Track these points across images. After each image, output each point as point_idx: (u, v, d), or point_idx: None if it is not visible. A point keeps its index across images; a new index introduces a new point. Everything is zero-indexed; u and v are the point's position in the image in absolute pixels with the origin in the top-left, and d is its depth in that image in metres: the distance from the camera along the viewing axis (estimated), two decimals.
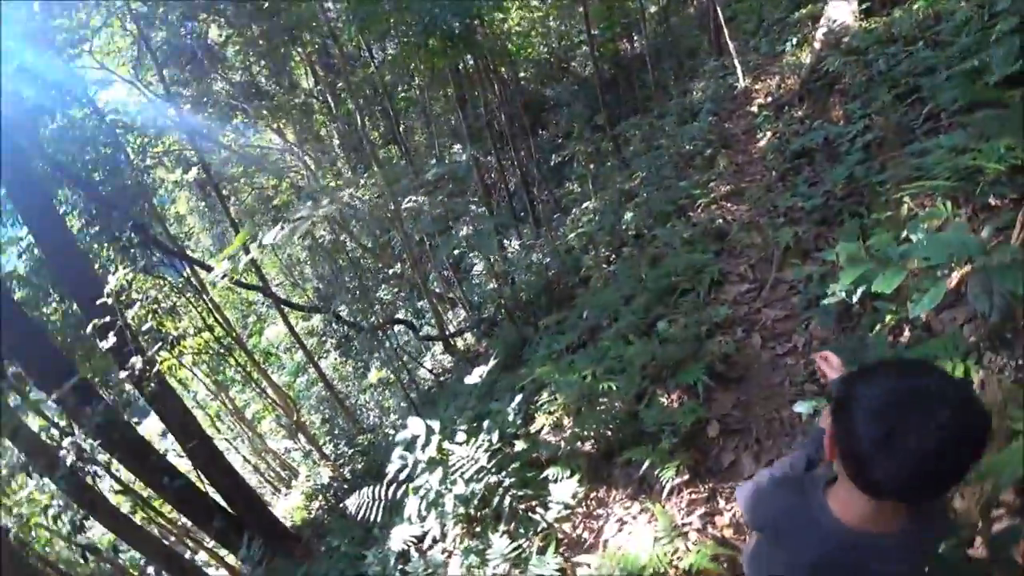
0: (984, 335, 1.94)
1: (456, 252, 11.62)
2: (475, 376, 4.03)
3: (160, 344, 7.23)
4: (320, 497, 8.08)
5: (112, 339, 5.68)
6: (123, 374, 6.17)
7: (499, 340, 6.55)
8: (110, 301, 5.45)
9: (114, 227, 8.73)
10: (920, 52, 5.09)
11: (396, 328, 10.25)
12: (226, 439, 12.85)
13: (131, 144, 10.20)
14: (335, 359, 12.53)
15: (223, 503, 7.70)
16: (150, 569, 8.55)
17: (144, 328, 7.27)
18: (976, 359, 1.98)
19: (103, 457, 7.40)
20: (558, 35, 13.27)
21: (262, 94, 13.94)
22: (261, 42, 12.48)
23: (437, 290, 11.65)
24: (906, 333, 2.96)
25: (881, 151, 4.80)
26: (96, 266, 9.04)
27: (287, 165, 12.77)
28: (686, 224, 5.48)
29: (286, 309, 10.53)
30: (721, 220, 5.34)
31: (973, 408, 0.91)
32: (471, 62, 10.36)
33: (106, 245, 9.27)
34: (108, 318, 5.52)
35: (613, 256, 6.37)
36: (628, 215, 6.24)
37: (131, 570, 9.17)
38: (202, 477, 7.79)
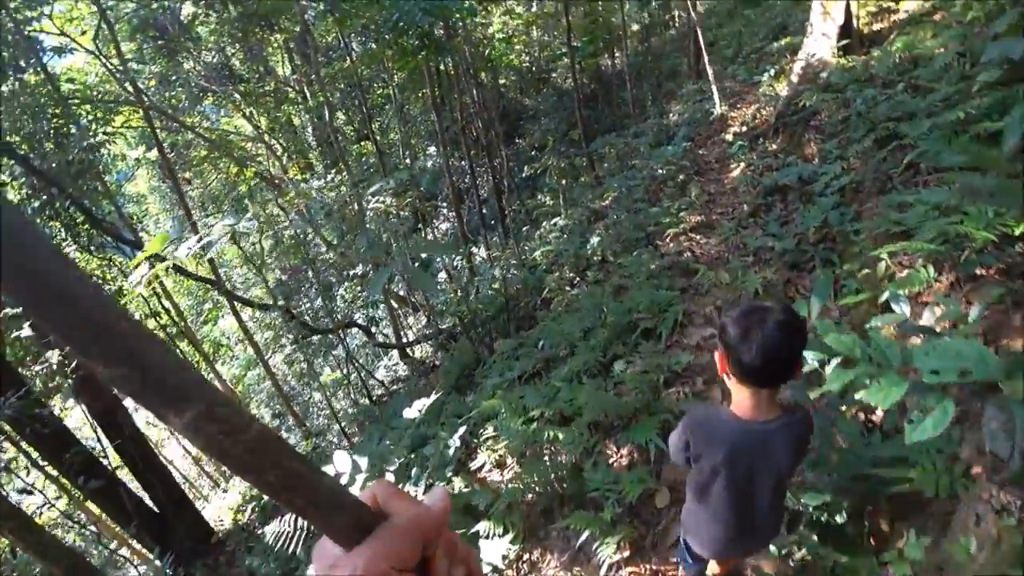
0: (1001, 481, 1.56)
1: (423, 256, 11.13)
2: (413, 411, 3.59)
3: None
4: (255, 502, 7.49)
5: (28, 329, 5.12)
6: (38, 367, 5.57)
7: (453, 359, 6.10)
8: None
9: (57, 203, 8.01)
10: (899, 96, 4.82)
11: (352, 330, 9.69)
12: (168, 428, 12.07)
13: (85, 117, 9.43)
14: (289, 355, 11.87)
15: (151, 500, 7.11)
16: None
17: None
18: (967, 487, 1.61)
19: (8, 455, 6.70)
20: (540, 45, 12.87)
21: (235, 77, 13.16)
22: (237, 24, 11.74)
23: (401, 292, 11.12)
24: (878, 412, 2.61)
25: (857, 197, 4.53)
26: None
27: (253, 153, 12.04)
28: (653, 254, 5.11)
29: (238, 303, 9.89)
30: (689, 253, 5.00)
31: (794, 315, 1.36)
32: (450, 64, 9.89)
33: (49, 222, 8.54)
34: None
35: (577, 279, 5.98)
36: (595, 239, 5.85)
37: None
38: (115, 474, 7.13)
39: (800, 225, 4.88)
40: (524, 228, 9.44)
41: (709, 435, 1.55)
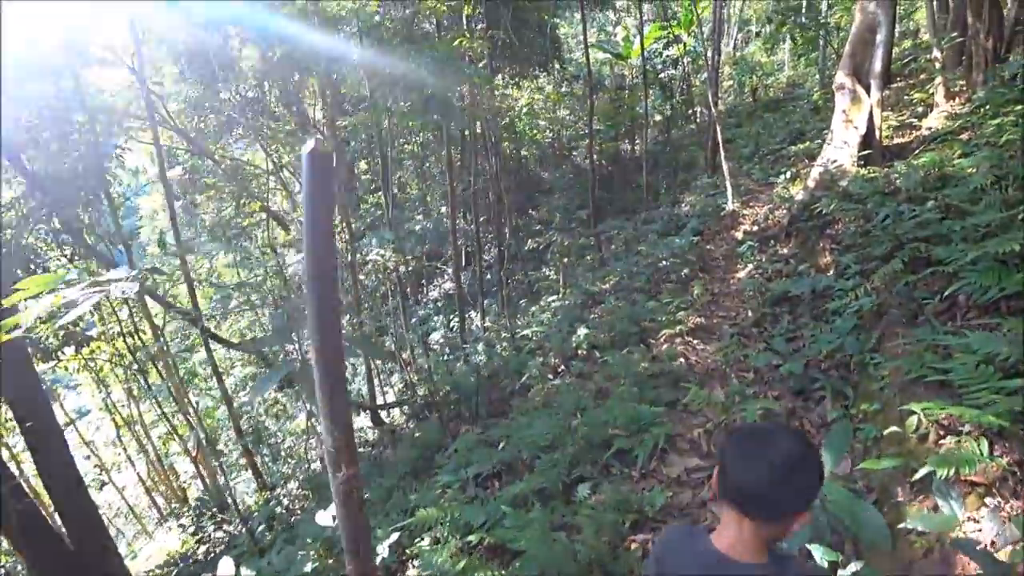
0: None
1: (421, 313, 10.54)
2: (327, 516, 2.86)
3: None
4: (178, 565, 6.55)
5: None
6: None
7: (417, 438, 5.34)
8: None
9: (47, 210, 7.59)
10: (928, 213, 4.18)
11: None
12: (126, 451, 11.12)
13: (98, 131, 9.16)
14: (271, 395, 11.10)
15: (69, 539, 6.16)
16: None
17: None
18: None
19: None
20: (564, 124, 12.68)
21: (268, 113, 13.08)
22: (278, 65, 11.72)
23: (391, 346, 10.43)
24: None
25: (880, 324, 3.85)
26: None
27: (268, 187, 11.71)
28: (644, 355, 4.43)
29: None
30: (683, 360, 4.29)
31: (810, 447, 1.14)
32: (473, 131, 9.60)
33: (37, 225, 8.11)
34: None
35: (562, 367, 5.27)
36: (583, 331, 5.18)
37: None
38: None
39: (811, 346, 4.18)
40: (522, 301, 8.81)
41: (677, 563, 1.35)
